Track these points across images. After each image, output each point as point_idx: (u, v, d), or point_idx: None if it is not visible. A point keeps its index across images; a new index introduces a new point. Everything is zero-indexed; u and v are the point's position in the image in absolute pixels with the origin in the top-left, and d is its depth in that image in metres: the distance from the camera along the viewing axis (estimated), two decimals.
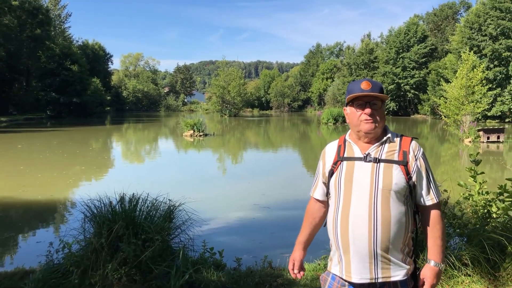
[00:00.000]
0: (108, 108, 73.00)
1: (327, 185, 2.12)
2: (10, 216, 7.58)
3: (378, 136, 2.01)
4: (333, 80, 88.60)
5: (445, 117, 23.44)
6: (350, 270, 1.95)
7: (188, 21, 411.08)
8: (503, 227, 4.19)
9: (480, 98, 22.74)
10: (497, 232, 4.12)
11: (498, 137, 20.90)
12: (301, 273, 2.26)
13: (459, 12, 74.17)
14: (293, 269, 2.25)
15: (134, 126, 39.89)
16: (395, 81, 63.70)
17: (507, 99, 43.11)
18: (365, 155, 1.97)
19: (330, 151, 2.13)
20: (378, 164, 1.93)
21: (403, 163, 1.93)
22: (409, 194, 1.95)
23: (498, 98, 42.69)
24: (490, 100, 24.00)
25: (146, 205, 4.98)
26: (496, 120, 43.33)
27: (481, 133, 21.21)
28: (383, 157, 1.95)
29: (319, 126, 39.20)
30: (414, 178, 1.94)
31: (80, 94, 50.21)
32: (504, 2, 44.21)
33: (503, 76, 43.93)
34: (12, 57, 52.85)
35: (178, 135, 26.45)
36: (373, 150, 1.97)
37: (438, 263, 1.97)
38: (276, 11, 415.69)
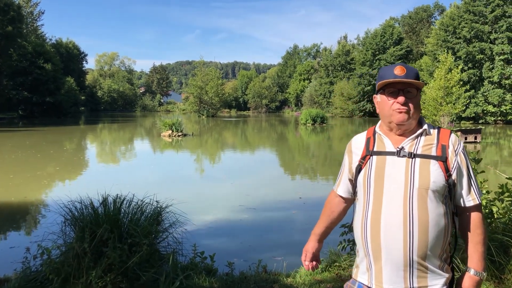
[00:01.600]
0: (83, 108, 71.50)
1: (353, 182, 1.88)
2: None
3: (412, 128, 1.78)
4: (310, 81, 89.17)
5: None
6: (381, 278, 1.72)
7: (164, 21, 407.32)
8: (506, 227, 4.07)
9: (457, 99, 23.07)
10: (499, 232, 3.99)
11: (475, 138, 21.22)
12: (314, 263, 2.08)
13: (433, 15, 75.64)
14: (305, 260, 2.07)
15: (110, 126, 39.05)
16: (372, 83, 64.38)
17: (480, 101, 44.04)
18: (398, 149, 1.74)
19: (357, 144, 1.90)
20: (413, 159, 1.71)
21: (442, 158, 1.71)
22: (448, 194, 1.72)
23: (472, 100, 43.55)
24: (466, 102, 24.31)
25: (132, 207, 4.66)
26: (470, 122, 44.21)
27: (459, 133, 21.48)
28: (419, 152, 1.72)
29: (297, 126, 39.19)
30: (454, 176, 1.71)
31: (54, 94, 48.92)
32: (478, 6, 45.20)
33: (477, 78, 44.90)
34: None
35: (156, 135, 25.95)
36: (407, 144, 1.75)
37: (479, 272, 1.74)
38: (252, 12, 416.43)
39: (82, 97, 67.43)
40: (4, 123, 40.54)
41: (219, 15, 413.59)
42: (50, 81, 48.57)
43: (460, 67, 24.02)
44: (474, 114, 44.40)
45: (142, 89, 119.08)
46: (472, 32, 45.05)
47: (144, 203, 4.82)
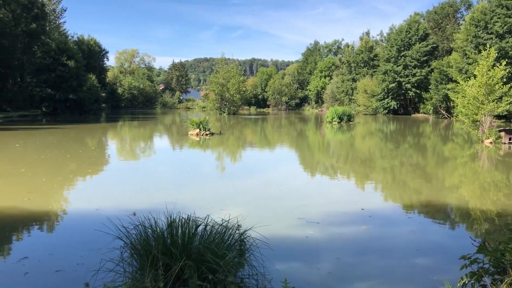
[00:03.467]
0: (104, 105, 71.55)
1: None
2: (15, 234, 6.46)
3: None
4: (332, 78, 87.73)
5: (462, 116, 22.53)
6: None
7: (182, 18, 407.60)
8: None
9: (500, 97, 21.84)
10: None
11: None
12: None
13: (460, 11, 73.43)
14: None
15: (133, 124, 38.67)
16: (396, 80, 62.83)
17: None
18: None
19: None
20: None
21: None
22: None
23: (504, 98, 41.80)
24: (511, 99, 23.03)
25: (207, 230, 3.90)
26: (502, 120, 42.55)
27: (502, 133, 20.30)
28: None
29: (321, 124, 38.20)
30: None
31: (76, 91, 48.80)
32: (511, 0, 43.42)
33: (510, 74, 43.14)
34: (6, 52, 51.34)
35: (183, 134, 25.34)
36: None
37: None
38: (269, 9, 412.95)
39: (103, 94, 67.48)
40: (28, 120, 40.53)
41: (236, 12, 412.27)
42: (73, 78, 48.46)
43: (504, 62, 22.66)
44: (506, 112, 42.68)
45: (162, 86, 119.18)
46: (505, 27, 43.30)
47: (219, 225, 4.04)
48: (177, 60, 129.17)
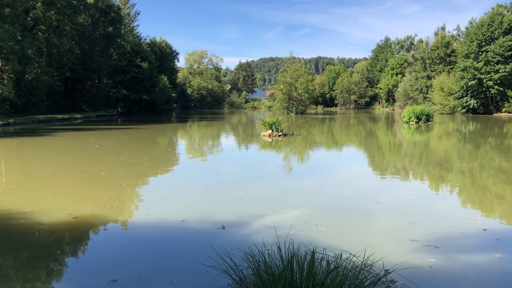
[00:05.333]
0: (174, 105, 73.37)
1: None
2: (100, 249, 6.00)
3: None
4: (404, 76, 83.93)
5: None
6: None
7: (247, 18, 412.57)
8: None
9: None
10: None
11: None
12: None
13: None
14: None
15: (205, 124, 38.92)
16: (476, 76, 58.53)
17: None
18: None
19: None
20: None
21: None
22: None
23: None
24: None
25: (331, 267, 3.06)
26: None
27: None
28: None
29: (393, 124, 36.17)
30: None
31: (149, 91, 50.24)
32: None
33: None
34: (85, 55, 54.03)
35: (255, 135, 24.83)
36: None
37: None
38: (335, 6, 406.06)
39: (174, 95, 69.17)
40: (105, 120, 42.18)
41: (301, 10, 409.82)
42: (146, 79, 49.92)
43: None
44: None
45: (228, 86, 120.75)
46: None
47: (344, 260, 3.19)
48: (243, 60, 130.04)
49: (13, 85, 38.27)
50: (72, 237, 6.23)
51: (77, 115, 45.71)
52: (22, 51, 35.51)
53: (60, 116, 41.87)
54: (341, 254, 3.41)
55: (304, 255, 3.36)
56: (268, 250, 3.50)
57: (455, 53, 69.39)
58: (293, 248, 3.53)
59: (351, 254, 3.47)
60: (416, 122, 35.90)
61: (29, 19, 40.91)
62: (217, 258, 4.11)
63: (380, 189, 9.63)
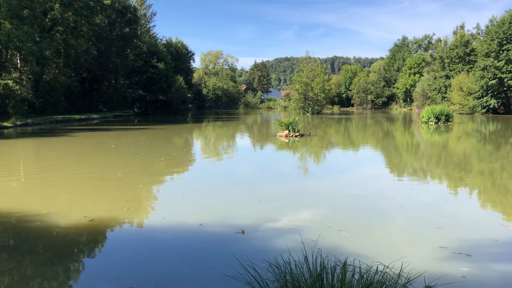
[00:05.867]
0: (190, 105, 73.53)
1: None
2: (117, 254, 5.83)
3: None
4: (422, 75, 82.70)
5: None
6: None
7: (262, 19, 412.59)
8: None
9: None
10: None
11: None
12: None
13: None
14: None
15: (220, 125, 38.81)
16: (497, 76, 57.21)
17: None
18: None
19: None
20: None
21: None
22: None
23: None
24: None
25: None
26: None
27: None
28: None
29: (410, 124, 35.52)
30: None
31: (166, 92, 50.35)
32: None
33: None
34: (102, 56, 54.44)
35: (271, 135, 24.58)
36: None
37: None
38: (351, 5, 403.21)
39: (189, 95, 69.30)
40: (121, 120, 42.39)
41: (316, 10, 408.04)
42: (163, 80, 50.04)
43: None
44: None
45: (244, 86, 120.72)
46: None
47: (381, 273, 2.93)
48: (258, 61, 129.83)
49: (32, 85, 38.70)
50: (87, 241, 6.08)
51: (94, 116, 46.06)
52: (41, 52, 35.89)
53: (77, 116, 42.23)
54: (376, 268, 3.14)
55: (333, 266, 3.11)
56: (295, 261, 3.25)
57: (474, 52, 68.05)
58: (321, 258, 3.29)
59: (384, 266, 3.20)
60: (435, 122, 35.21)
61: (47, 20, 41.36)
62: (238, 267, 3.89)
63: (403, 192, 9.31)
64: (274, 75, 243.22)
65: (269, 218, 6.95)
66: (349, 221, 6.85)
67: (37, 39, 36.72)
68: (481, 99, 60.07)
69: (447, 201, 8.51)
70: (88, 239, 6.14)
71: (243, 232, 6.16)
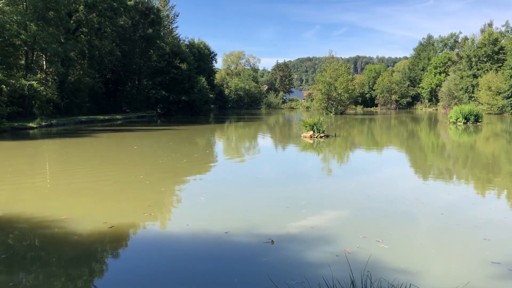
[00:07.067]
0: (212, 106, 73.57)
1: None
2: (136, 264, 5.46)
3: None
4: (448, 75, 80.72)
5: None
6: None
7: (284, 19, 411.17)
8: None
9: None
10: None
11: None
12: None
13: None
14: None
15: (242, 125, 38.46)
16: None
17: None
18: None
19: None
20: None
21: None
22: None
23: None
24: None
25: None
26: None
27: None
28: None
29: (440, 125, 34.39)
30: None
31: (188, 92, 50.34)
32: None
33: None
34: (126, 57, 54.81)
35: (295, 136, 24.07)
36: None
37: None
38: (375, 4, 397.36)
39: (212, 96, 69.29)
40: (144, 121, 42.51)
41: (339, 9, 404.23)
42: (185, 80, 50.03)
43: None
44: None
45: (265, 87, 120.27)
46: None
47: None
48: (280, 61, 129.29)
49: (57, 86, 39.11)
50: (107, 250, 5.74)
51: (117, 116, 46.34)
52: (65, 54, 36.23)
53: (101, 117, 42.52)
54: None
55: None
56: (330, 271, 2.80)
57: (503, 50, 66.03)
58: (370, 282, 2.82)
59: None
60: (464, 123, 34.07)
61: (72, 22, 41.80)
62: (269, 285, 3.45)
63: (441, 198, 8.69)
64: (296, 75, 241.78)
65: (298, 225, 6.49)
66: (385, 230, 6.33)
67: (62, 40, 37.10)
68: (511, 99, 58.20)
69: (491, 208, 7.88)
70: (107, 248, 5.80)
71: (272, 242, 5.72)
